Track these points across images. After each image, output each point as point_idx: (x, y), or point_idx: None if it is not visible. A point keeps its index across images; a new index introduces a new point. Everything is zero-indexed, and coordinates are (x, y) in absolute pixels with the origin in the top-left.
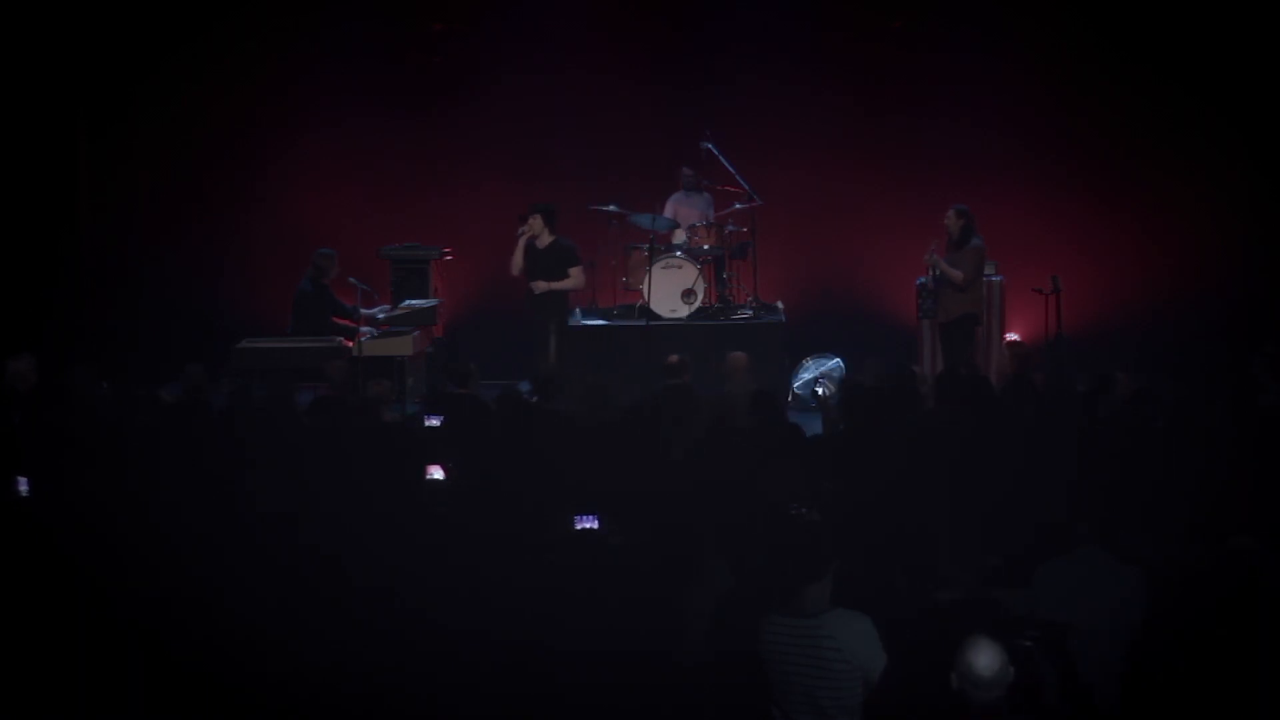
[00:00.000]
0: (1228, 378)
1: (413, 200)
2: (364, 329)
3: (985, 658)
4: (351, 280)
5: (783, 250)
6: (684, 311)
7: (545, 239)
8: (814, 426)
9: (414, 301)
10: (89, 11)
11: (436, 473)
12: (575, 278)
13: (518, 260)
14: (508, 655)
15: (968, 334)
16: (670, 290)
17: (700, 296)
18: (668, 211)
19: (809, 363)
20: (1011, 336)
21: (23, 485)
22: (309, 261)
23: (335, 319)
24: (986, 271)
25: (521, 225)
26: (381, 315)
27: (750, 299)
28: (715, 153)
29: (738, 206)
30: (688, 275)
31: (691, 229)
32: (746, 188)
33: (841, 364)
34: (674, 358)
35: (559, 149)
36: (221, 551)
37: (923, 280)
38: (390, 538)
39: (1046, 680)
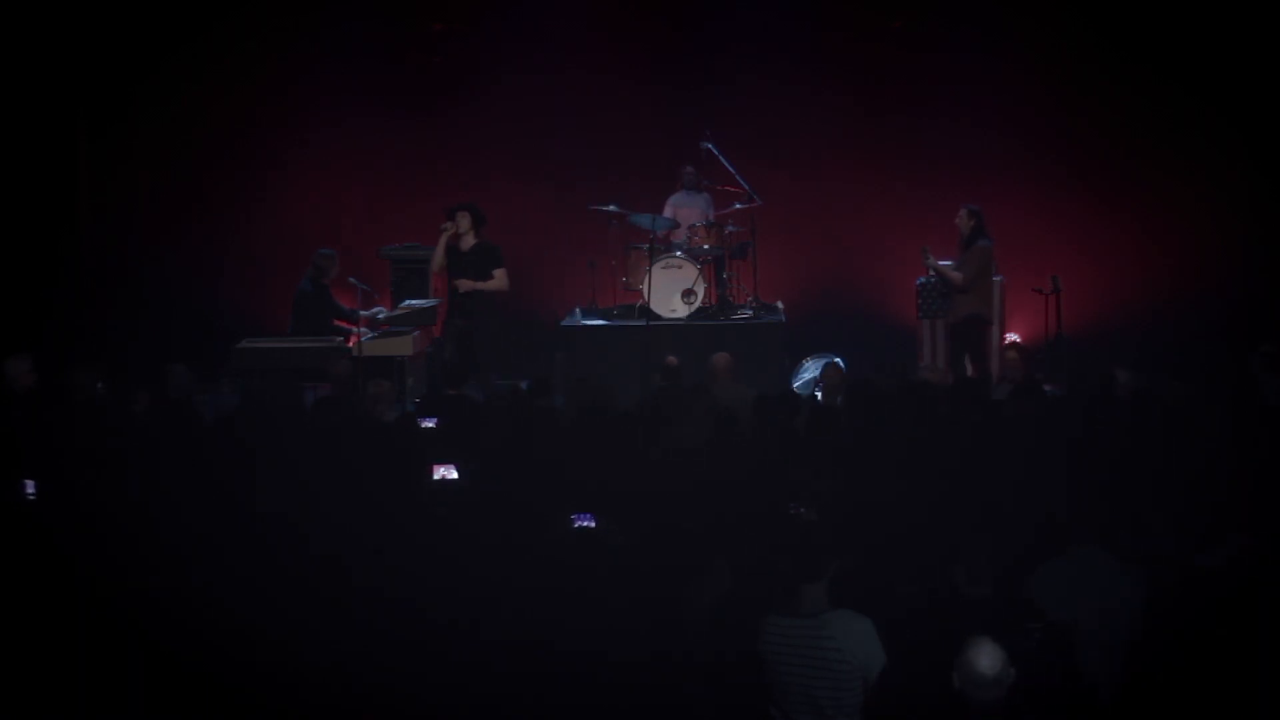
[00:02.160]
0: (1228, 378)
1: (413, 200)
2: (362, 330)
3: (986, 658)
4: (351, 280)
5: (783, 250)
6: (684, 311)
7: (469, 240)
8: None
9: (414, 301)
10: (89, 12)
11: (447, 472)
12: (500, 279)
13: (438, 258)
14: (507, 654)
15: (974, 335)
16: (670, 290)
17: (700, 296)
18: (668, 211)
19: (809, 363)
20: (1012, 337)
21: (29, 488)
22: (309, 261)
23: (335, 321)
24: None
25: (462, 225)
26: (381, 316)
27: (750, 299)
28: (715, 153)
29: (738, 206)
30: (688, 275)
31: (691, 229)
32: (746, 188)
33: (841, 364)
34: (671, 359)
35: (559, 149)
36: (221, 551)
37: (923, 280)
38: (391, 537)
39: (1048, 680)
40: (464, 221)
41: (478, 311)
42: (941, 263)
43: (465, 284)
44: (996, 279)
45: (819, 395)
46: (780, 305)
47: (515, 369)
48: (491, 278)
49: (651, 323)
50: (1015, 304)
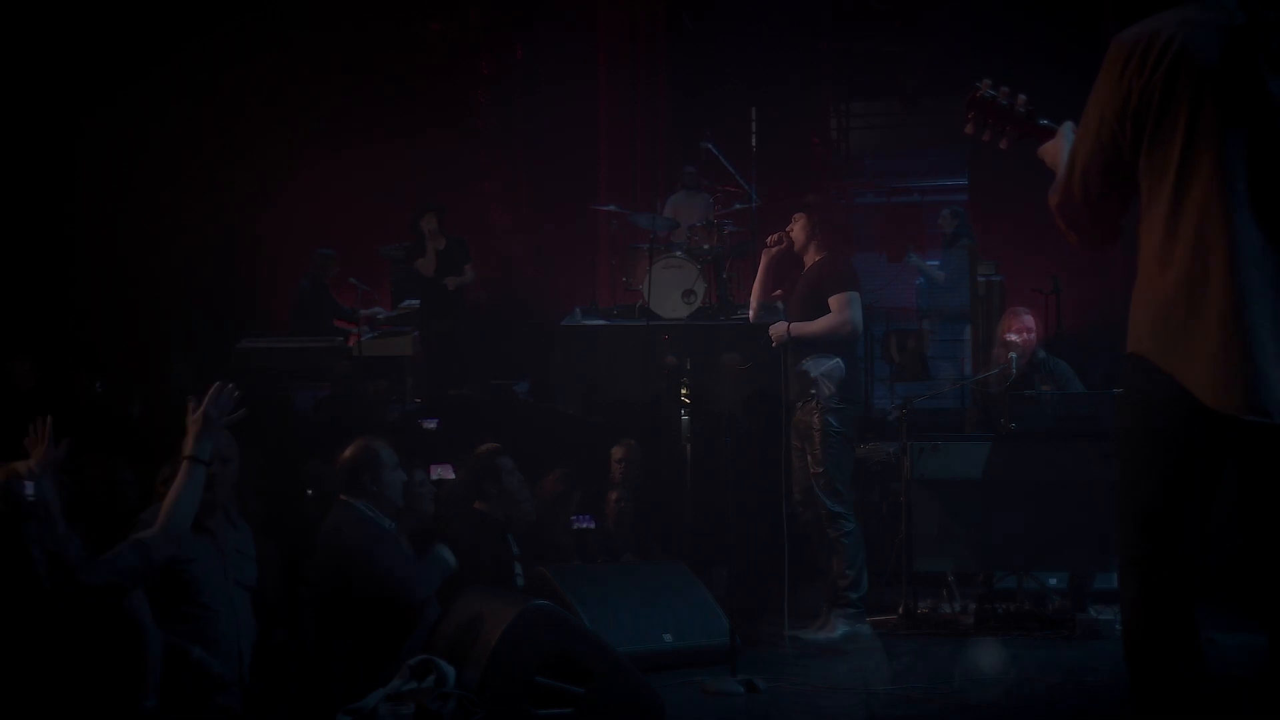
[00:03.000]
0: None
1: (413, 200)
2: (363, 329)
3: (986, 658)
4: (351, 280)
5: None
6: (684, 311)
7: (440, 240)
8: None
9: (413, 301)
10: (89, 10)
11: (444, 472)
12: (470, 272)
13: (431, 264)
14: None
15: (959, 334)
16: (670, 290)
17: (700, 296)
18: (668, 211)
19: (808, 363)
20: (1011, 337)
21: (29, 488)
22: (309, 261)
23: (335, 321)
24: (985, 271)
25: (430, 226)
26: (380, 315)
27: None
28: (715, 153)
29: (738, 206)
30: (688, 275)
31: (691, 229)
32: (746, 188)
33: (841, 364)
34: (671, 359)
35: (560, 149)
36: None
37: (922, 280)
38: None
39: (1045, 680)
40: (433, 222)
41: (460, 310)
42: (928, 263)
43: (454, 281)
44: (996, 278)
45: (814, 394)
46: (780, 305)
47: (514, 369)
48: (464, 272)
49: (651, 323)
50: (1015, 304)
